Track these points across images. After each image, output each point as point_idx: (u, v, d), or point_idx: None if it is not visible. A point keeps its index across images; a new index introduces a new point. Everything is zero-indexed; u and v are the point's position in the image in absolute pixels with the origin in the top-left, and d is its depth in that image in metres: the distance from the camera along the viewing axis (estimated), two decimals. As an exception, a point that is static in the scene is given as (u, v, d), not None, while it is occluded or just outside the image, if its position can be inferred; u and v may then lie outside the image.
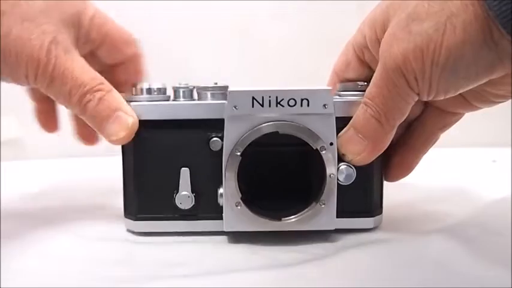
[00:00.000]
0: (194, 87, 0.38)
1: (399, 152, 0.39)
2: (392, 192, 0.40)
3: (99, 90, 0.35)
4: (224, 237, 0.37)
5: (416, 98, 0.32)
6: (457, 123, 0.39)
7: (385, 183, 0.39)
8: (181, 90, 0.37)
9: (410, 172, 0.39)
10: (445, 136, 0.40)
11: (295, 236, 0.36)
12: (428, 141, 0.39)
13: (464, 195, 0.49)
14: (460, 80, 0.29)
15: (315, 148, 0.34)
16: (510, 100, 0.34)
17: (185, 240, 0.36)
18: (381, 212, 0.38)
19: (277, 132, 0.34)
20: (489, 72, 0.29)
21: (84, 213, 0.43)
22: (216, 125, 0.35)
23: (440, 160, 0.56)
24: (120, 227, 0.39)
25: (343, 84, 0.37)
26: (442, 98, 0.31)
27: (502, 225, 0.38)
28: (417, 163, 0.39)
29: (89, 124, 0.37)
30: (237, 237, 0.36)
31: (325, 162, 0.34)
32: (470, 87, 0.30)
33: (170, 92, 0.38)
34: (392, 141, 0.34)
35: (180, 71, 0.43)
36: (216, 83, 0.37)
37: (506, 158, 0.63)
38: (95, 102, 0.35)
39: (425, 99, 0.31)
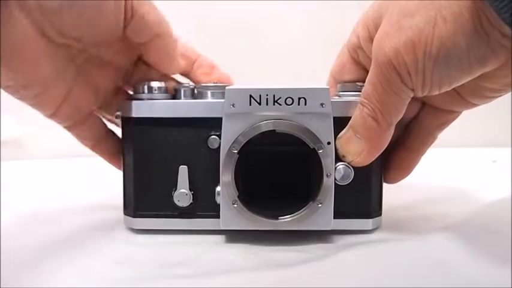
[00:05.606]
0: (195, 87, 0.38)
1: (398, 153, 0.39)
2: (392, 192, 0.40)
3: None
4: (222, 237, 0.37)
5: (412, 94, 0.31)
6: (457, 123, 0.39)
7: (384, 184, 0.39)
8: (182, 90, 0.38)
9: (409, 173, 0.39)
10: (445, 136, 0.39)
11: (294, 236, 0.36)
12: (426, 140, 0.39)
13: (464, 196, 0.48)
14: (453, 72, 0.29)
15: (312, 147, 0.33)
16: (510, 100, 0.34)
17: (183, 241, 0.36)
18: (380, 214, 0.38)
19: (274, 130, 0.33)
20: (482, 63, 0.28)
21: (84, 213, 0.43)
22: (214, 123, 0.35)
23: (440, 160, 0.56)
24: (120, 227, 0.39)
25: (343, 84, 0.37)
26: (436, 93, 0.31)
27: (502, 225, 0.38)
28: (416, 164, 0.39)
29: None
30: (235, 237, 0.36)
31: (322, 161, 0.33)
32: (464, 80, 0.30)
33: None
34: (390, 142, 0.34)
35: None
36: (215, 82, 0.37)
37: (506, 158, 0.63)
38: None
39: (419, 95, 0.31)
